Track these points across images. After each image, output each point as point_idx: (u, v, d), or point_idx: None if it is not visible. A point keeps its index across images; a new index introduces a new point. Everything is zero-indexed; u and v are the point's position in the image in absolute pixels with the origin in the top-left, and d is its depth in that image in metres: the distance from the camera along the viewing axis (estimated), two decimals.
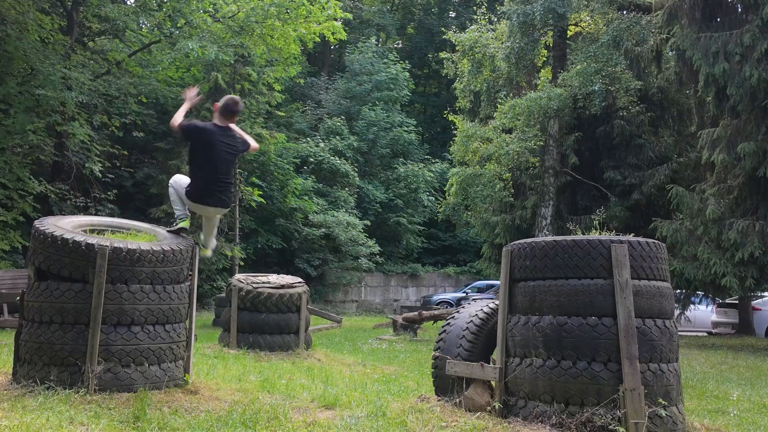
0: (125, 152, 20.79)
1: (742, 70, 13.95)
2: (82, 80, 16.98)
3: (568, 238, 4.47)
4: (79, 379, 4.94)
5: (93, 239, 5.23)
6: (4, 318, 12.13)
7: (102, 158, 18.78)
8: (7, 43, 16.32)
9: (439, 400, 5.05)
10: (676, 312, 16.28)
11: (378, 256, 27.76)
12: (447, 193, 22.92)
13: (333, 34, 20.42)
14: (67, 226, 5.53)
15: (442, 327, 5.47)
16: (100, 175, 18.59)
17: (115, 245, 5.18)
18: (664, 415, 4.10)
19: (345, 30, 21.57)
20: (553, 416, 4.19)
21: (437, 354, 5.28)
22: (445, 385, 5.11)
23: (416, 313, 14.99)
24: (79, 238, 5.21)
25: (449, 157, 26.19)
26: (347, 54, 34.61)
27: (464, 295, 25.02)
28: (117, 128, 19.80)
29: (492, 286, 24.76)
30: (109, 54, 19.52)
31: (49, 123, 17.04)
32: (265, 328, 9.31)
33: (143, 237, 5.80)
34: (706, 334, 20.65)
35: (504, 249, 4.83)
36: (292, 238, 25.80)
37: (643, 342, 4.18)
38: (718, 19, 15.23)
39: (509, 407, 4.50)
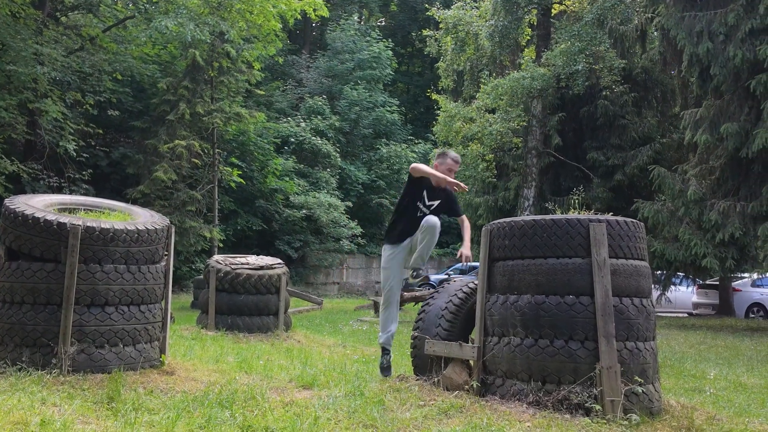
0: (100, 131, 20.52)
1: (726, 50, 14.07)
2: (55, 56, 16.73)
3: (547, 217, 4.50)
4: (52, 360, 4.93)
5: (65, 218, 5.18)
6: None
7: (76, 137, 18.52)
8: None
9: (417, 380, 5.10)
10: (657, 293, 16.50)
11: (360, 238, 27.78)
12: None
13: (314, 10, 20.28)
14: (38, 204, 5.48)
15: (422, 307, 5.50)
16: (75, 155, 18.34)
17: (88, 224, 5.14)
18: (640, 392, 4.17)
19: (327, 6, 21.43)
20: (530, 394, 4.25)
21: (416, 334, 5.32)
22: (424, 365, 5.16)
23: None
24: (51, 217, 5.16)
25: (432, 137, 26.19)
26: (329, 32, 34.36)
27: (446, 276, 25.12)
28: (91, 106, 19.53)
29: (474, 267, 24.88)
30: (83, 29, 19.21)
31: (21, 100, 16.77)
32: (243, 309, 9.32)
33: (117, 216, 5.76)
34: (686, 315, 20.98)
35: (483, 228, 4.86)
36: (272, 220, 25.72)
37: (620, 320, 4.24)
38: None
39: (487, 386, 4.56)
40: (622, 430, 3.86)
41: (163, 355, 5.54)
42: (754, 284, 20.27)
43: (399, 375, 5.42)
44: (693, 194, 14.63)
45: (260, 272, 9.41)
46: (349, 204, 27.68)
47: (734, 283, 20.40)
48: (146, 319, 5.37)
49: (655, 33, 18.34)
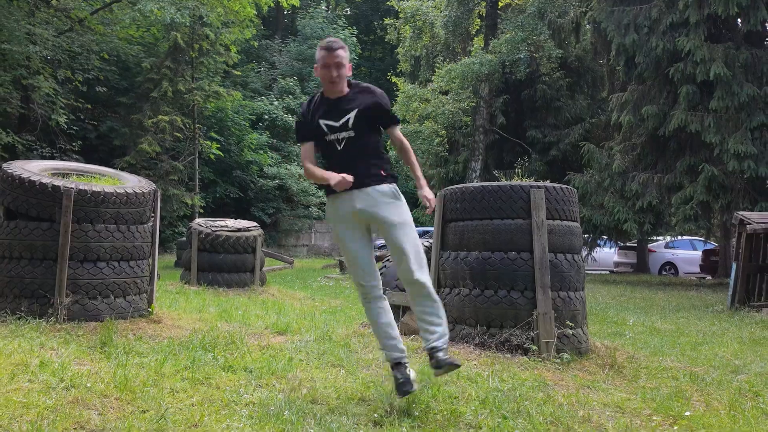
0: (89, 106, 19.82)
1: (649, 41, 14.24)
2: (46, 36, 16.05)
3: (494, 183, 4.55)
4: (49, 310, 4.81)
5: (59, 182, 5.03)
6: None
7: (67, 111, 17.87)
8: None
9: None
10: (584, 253, 16.87)
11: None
12: (388, 149, 22.87)
13: None
14: (34, 169, 5.29)
15: (383, 263, 5.54)
16: (65, 127, 17.73)
17: (81, 187, 5.00)
18: (570, 335, 4.29)
19: None
20: (477, 337, 4.33)
21: None
22: None
23: None
24: (46, 180, 5.00)
25: None
26: (299, 19, 33.67)
27: None
28: (80, 83, 18.83)
29: (428, 232, 25.07)
30: (72, 12, 18.41)
31: (15, 77, 16.08)
32: (223, 267, 9.23)
33: (107, 180, 5.61)
34: (608, 272, 21.54)
35: (438, 194, 4.87)
36: (248, 189, 25.43)
37: (555, 273, 4.32)
38: None
39: None
40: (555, 366, 3.97)
41: (152, 305, 5.46)
42: (667, 246, 20.91)
43: (362, 322, 5.46)
44: (617, 167, 14.91)
45: (238, 234, 9.31)
46: None
47: (650, 245, 21.00)
48: (135, 274, 5.28)
49: (588, 25, 18.46)
